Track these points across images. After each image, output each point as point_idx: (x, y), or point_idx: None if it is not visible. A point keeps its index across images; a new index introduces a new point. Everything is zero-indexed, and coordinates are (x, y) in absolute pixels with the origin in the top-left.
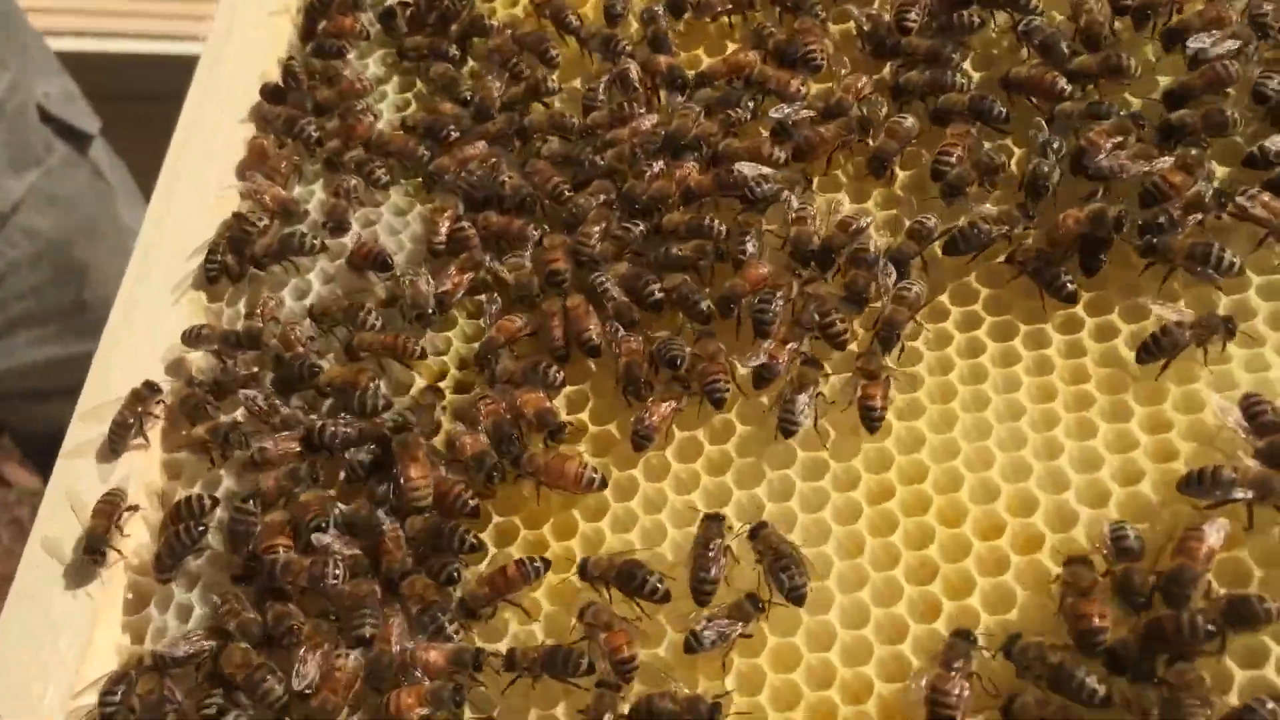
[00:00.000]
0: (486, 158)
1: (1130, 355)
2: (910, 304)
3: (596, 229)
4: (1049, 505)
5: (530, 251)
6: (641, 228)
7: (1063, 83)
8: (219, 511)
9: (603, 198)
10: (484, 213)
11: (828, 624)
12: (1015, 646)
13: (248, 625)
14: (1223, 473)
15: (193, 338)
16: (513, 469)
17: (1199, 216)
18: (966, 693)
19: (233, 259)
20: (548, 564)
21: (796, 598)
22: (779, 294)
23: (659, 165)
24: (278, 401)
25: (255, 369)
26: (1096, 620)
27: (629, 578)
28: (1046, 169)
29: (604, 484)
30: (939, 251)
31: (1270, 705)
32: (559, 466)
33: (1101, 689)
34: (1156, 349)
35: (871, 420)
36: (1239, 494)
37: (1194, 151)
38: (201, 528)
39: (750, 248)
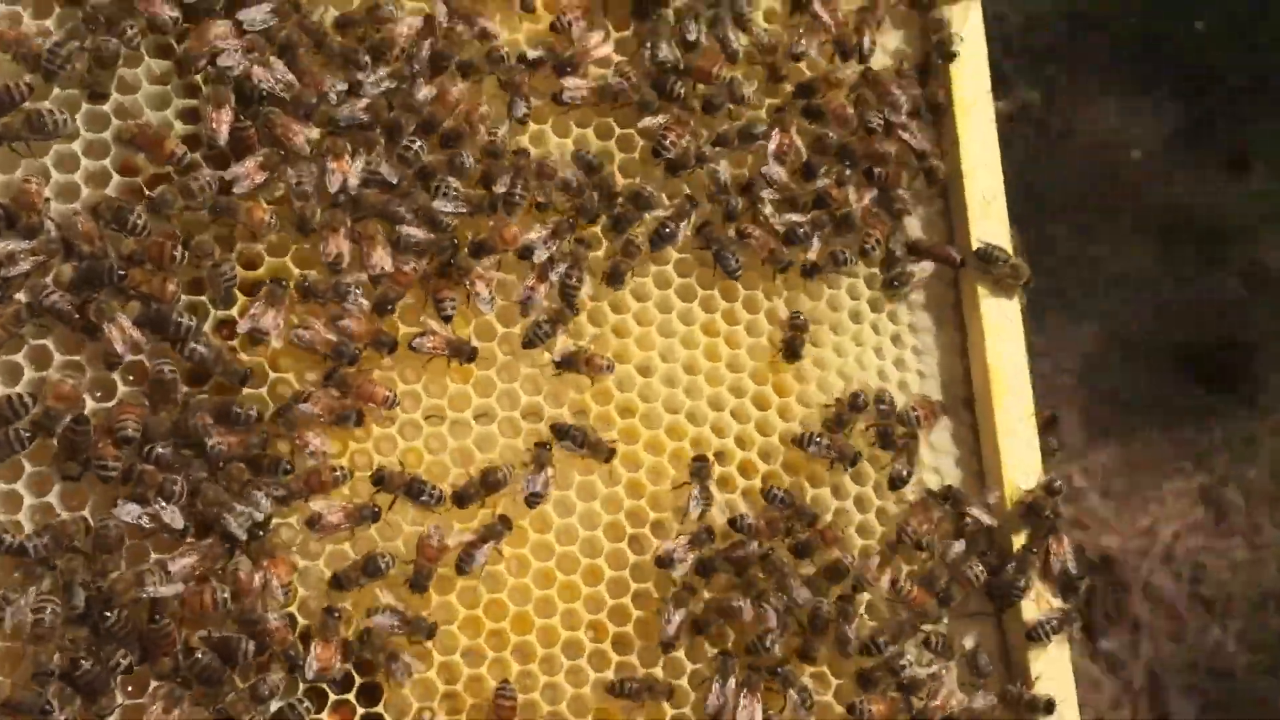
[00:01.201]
0: (248, 47)
1: (766, 327)
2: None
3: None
4: (720, 446)
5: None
6: (420, 144)
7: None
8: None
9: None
10: (269, 110)
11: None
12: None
13: None
14: (820, 439)
15: None
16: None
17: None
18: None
19: None
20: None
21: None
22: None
23: (430, 90)
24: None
25: (41, 258)
26: None
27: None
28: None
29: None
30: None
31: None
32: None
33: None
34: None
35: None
36: (824, 453)
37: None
38: None
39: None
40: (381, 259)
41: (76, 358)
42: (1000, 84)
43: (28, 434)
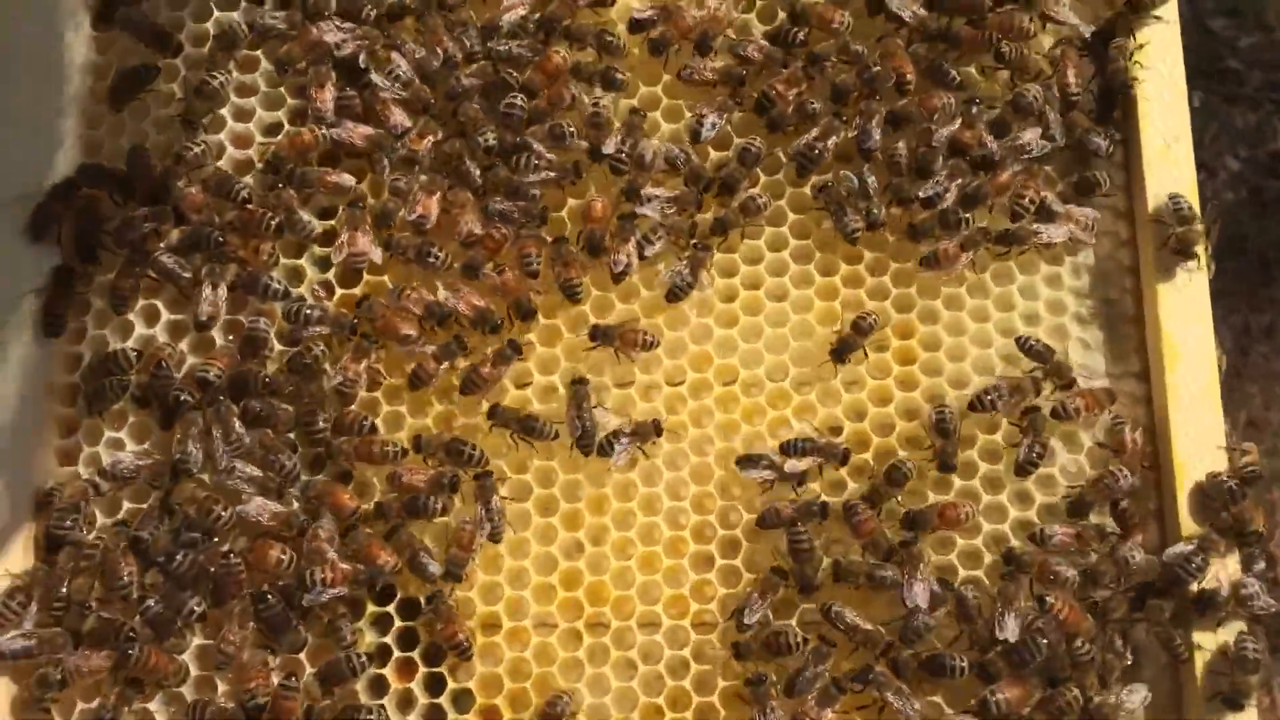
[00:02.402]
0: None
1: (891, 290)
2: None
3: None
4: (827, 416)
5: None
6: (521, 101)
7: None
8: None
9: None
10: (376, 83)
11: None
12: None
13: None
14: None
15: None
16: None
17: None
18: None
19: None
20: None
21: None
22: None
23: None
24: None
25: (155, 223)
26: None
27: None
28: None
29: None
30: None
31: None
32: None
33: None
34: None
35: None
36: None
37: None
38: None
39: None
40: (471, 223)
41: (181, 317)
42: None
43: (124, 386)
